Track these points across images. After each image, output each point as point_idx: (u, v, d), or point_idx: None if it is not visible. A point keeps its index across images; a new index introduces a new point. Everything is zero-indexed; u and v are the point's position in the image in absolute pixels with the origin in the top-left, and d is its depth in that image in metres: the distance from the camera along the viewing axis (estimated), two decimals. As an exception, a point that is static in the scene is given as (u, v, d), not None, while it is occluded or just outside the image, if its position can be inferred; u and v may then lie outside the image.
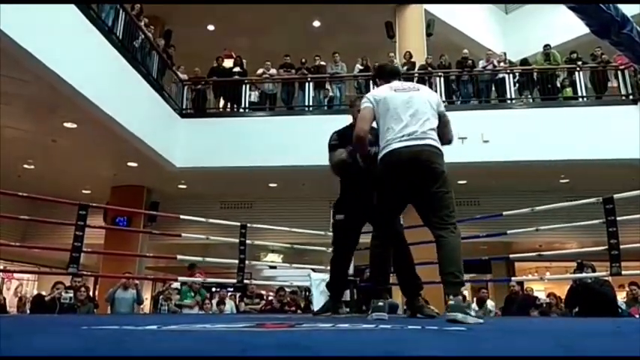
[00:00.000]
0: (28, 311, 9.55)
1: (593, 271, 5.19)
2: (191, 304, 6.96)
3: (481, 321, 2.26)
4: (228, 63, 10.31)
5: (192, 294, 7.13)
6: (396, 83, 2.74)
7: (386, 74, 2.93)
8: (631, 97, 8.47)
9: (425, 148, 2.47)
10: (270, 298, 8.60)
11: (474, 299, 8.37)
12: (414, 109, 2.54)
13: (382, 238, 2.69)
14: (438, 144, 2.51)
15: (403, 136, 2.49)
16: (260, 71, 9.66)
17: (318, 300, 4.50)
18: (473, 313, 2.24)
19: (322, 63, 9.91)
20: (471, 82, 9.34)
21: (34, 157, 8.52)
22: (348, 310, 4.34)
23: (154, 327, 1.59)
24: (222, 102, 9.75)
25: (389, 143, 2.52)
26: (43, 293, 6.76)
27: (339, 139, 3.19)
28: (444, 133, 2.66)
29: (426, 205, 2.54)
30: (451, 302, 2.20)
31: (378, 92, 2.75)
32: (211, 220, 5.25)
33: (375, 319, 2.43)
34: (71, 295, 5.98)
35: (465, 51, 9.99)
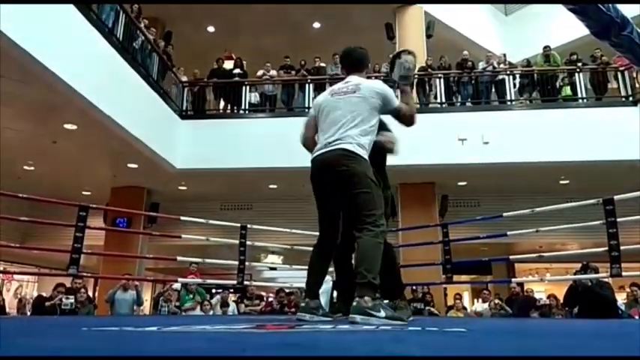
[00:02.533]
0: (29, 314, 9.56)
1: (596, 273, 5.19)
2: (192, 307, 6.96)
3: (395, 322, 2.13)
4: (228, 64, 10.33)
5: (191, 296, 7.12)
6: (339, 85, 2.66)
7: (345, 64, 2.84)
8: (631, 98, 8.48)
9: (334, 153, 2.43)
10: (270, 299, 8.59)
11: (479, 299, 8.36)
12: (337, 115, 2.50)
13: (319, 244, 2.62)
14: (353, 147, 2.41)
15: (321, 145, 2.52)
16: (260, 73, 9.67)
17: (318, 301, 4.50)
18: (383, 313, 2.12)
19: (322, 64, 9.93)
20: (471, 83, 9.35)
21: (34, 158, 8.52)
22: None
23: (154, 328, 1.59)
24: (222, 103, 9.76)
25: (312, 154, 2.58)
26: (44, 295, 6.73)
27: None
28: (402, 123, 2.68)
29: (345, 208, 2.50)
30: (353, 304, 2.17)
31: (318, 98, 2.78)
32: (211, 222, 5.25)
33: (297, 319, 2.40)
34: (72, 300, 5.97)
35: (465, 52, 10.01)
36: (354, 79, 2.64)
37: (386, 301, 2.66)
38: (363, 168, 2.42)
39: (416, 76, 9.49)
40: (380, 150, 2.97)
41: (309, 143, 2.80)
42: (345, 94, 2.57)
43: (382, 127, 2.98)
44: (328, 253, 2.63)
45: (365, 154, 2.45)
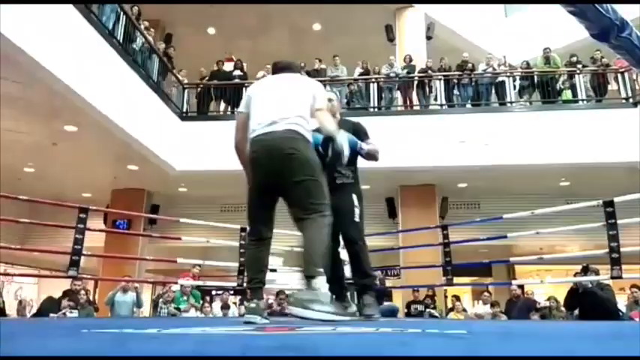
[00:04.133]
0: (29, 315, 9.55)
1: (597, 275, 5.18)
2: (186, 309, 6.94)
3: (334, 318, 2.04)
4: (228, 66, 10.34)
5: (185, 298, 7.11)
6: (269, 78, 2.61)
7: (275, 71, 2.70)
8: (631, 100, 8.48)
9: (284, 134, 2.26)
10: (270, 301, 8.58)
11: (479, 301, 8.34)
12: (278, 95, 2.39)
13: (256, 238, 2.50)
14: (301, 129, 2.28)
15: (263, 124, 2.32)
16: (260, 74, 9.68)
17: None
18: (322, 307, 2.04)
19: (322, 66, 9.93)
20: (471, 85, 9.36)
21: (35, 160, 8.53)
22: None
23: (154, 330, 1.59)
24: (222, 105, 9.77)
25: (250, 135, 2.39)
26: (54, 296, 6.71)
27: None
28: (319, 122, 2.43)
29: (288, 195, 2.33)
30: (294, 296, 2.13)
31: (249, 91, 2.59)
32: (211, 223, 5.25)
33: (246, 322, 2.21)
34: (76, 315, 5.98)
35: (465, 54, 10.02)
36: (287, 73, 2.55)
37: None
38: (309, 153, 2.30)
39: (416, 77, 9.52)
40: (366, 157, 2.94)
41: (242, 146, 2.54)
42: (282, 80, 2.49)
43: (365, 134, 2.98)
44: (268, 248, 2.52)
45: (310, 138, 2.35)
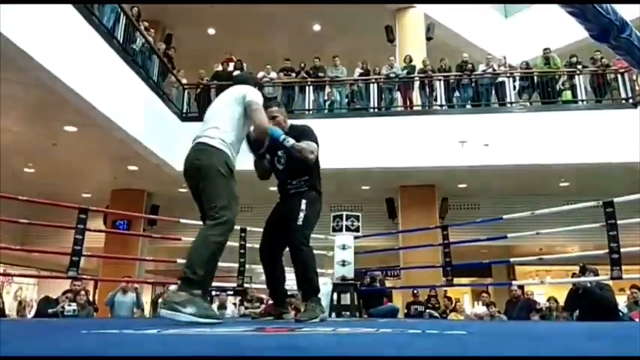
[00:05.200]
0: (29, 316, 9.54)
1: (596, 275, 5.18)
2: None
3: (203, 320, 2.08)
4: (229, 67, 10.34)
5: None
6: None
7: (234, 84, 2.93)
8: (631, 100, 8.48)
9: (195, 147, 2.53)
10: (270, 302, 8.57)
11: (479, 302, 8.33)
12: (208, 115, 2.68)
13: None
14: (212, 140, 2.50)
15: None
16: (260, 75, 9.68)
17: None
18: (190, 310, 2.09)
19: (321, 64, 9.90)
20: (471, 85, 9.36)
21: (35, 160, 8.53)
22: (348, 313, 4.33)
23: (154, 331, 1.59)
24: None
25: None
26: (51, 296, 6.70)
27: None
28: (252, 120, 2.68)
29: (201, 201, 2.53)
30: (166, 299, 2.21)
31: None
32: (211, 224, 5.22)
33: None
34: (74, 307, 5.96)
35: (465, 55, 10.02)
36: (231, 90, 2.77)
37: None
38: (213, 160, 2.47)
39: (416, 78, 9.52)
40: (293, 151, 2.92)
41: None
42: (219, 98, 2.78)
43: (307, 136, 2.97)
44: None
45: (222, 146, 2.51)
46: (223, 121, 2.57)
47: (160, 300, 7.31)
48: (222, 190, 2.46)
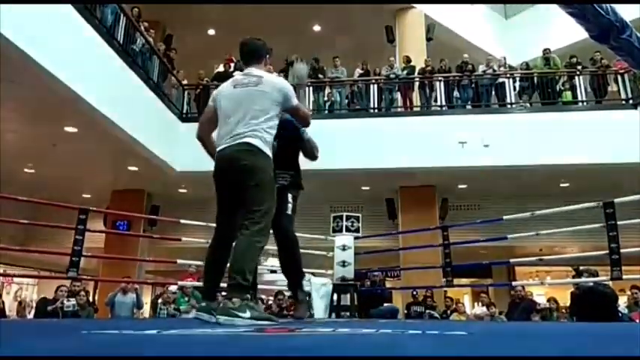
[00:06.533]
0: (29, 316, 9.54)
1: (596, 276, 5.16)
2: (186, 310, 6.93)
3: (261, 322, 2.12)
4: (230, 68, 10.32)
5: (187, 299, 7.10)
6: (239, 78, 2.59)
7: (242, 57, 2.74)
8: (631, 101, 8.48)
9: (239, 147, 2.40)
10: (269, 302, 8.58)
11: (479, 303, 8.33)
12: (242, 110, 2.45)
13: (218, 239, 2.57)
14: (255, 140, 2.39)
15: (225, 139, 2.47)
16: (260, 75, 9.67)
17: (318, 304, 4.49)
18: (248, 314, 2.13)
19: (320, 65, 9.89)
20: (471, 86, 9.36)
21: (35, 161, 8.53)
22: (348, 314, 4.33)
23: (154, 332, 1.59)
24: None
25: (217, 147, 2.55)
26: (47, 297, 6.70)
27: None
28: (299, 123, 2.68)
29: (239, 201, 2.46)
30: (220, 305, 2.20)
31: (220, 89, 2.67)
32: (212, 224, 5.22)
33: (196, 318, 2.35)
34: (73, 302, 5.95)
35: (465, 55, 10.02)
36: (254, 71, 2.58)
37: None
38: (263, 164, 2.40)
39: (417, 79, 9.52)
40: (304, 153, 2.98)
41: (204, 135, 2.73)
42: (246, 86, 2.50)
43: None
44: (226, 252, 2.55)
45: (268, 151, 2.43)
46: (264, 120, 2.44)
47: (159, 300, 7.31)
48: (269, 195, 2.42)
